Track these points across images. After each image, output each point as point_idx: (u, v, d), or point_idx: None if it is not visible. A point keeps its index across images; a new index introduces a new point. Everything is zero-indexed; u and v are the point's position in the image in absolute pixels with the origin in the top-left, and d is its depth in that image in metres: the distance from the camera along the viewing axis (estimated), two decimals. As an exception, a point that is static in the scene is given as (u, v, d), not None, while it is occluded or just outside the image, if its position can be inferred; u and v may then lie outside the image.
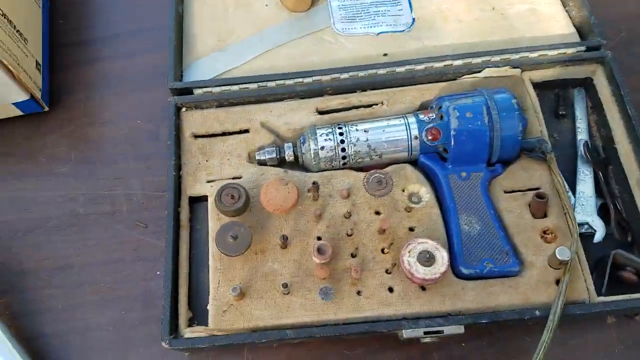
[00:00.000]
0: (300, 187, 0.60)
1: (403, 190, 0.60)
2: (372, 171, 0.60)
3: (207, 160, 0.64)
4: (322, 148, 0.60)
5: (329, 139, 0.60)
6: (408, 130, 0.60)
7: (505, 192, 0.60)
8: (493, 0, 0.74)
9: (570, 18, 0.72)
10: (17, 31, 0.66)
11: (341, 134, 0.61)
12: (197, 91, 0.66)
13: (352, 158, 0.61)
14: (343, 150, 0.60)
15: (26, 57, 0.67)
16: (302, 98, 0.67)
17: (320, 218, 0.59)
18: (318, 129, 0.61)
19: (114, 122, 0.72)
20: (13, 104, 0.68)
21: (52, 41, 0.78)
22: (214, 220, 0.60)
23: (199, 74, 0.69)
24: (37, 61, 0.70)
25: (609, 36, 0.72)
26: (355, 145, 0.60)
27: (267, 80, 0.66)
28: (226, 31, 0.72)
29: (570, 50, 0.67)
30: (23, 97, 0.67)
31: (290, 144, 0.63)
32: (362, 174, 0.61)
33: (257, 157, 0.63)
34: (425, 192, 0.58)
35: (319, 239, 0.58)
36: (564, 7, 0.73)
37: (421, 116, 0.61)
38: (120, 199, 0.67)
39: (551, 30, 0.71)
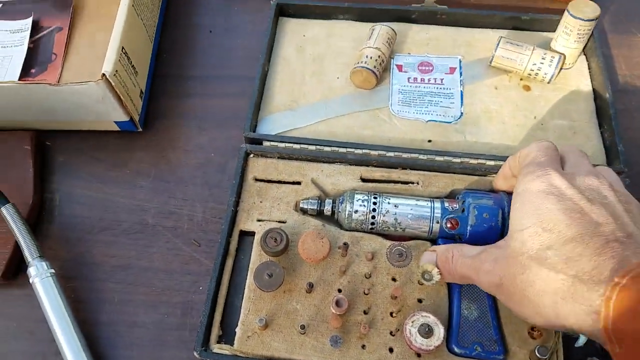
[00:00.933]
0: (333, 242, 0.65)
1: (419, 266, 0.64)
2: (396, 243, 0.64)
3: (261, 202, 0.69)
4: (356, 212, 0.65)
5: (363, 205, 0.65)
6: (432, 214, 0.64)
7: (506, 286, 0.63)
8: (538, 110, 0.77)
9: (603, 140, 0.74)
10: (132, 66, 0.73)
11: (375, 203, 0.65)
12: (266, 143, 0.72)
13: (379, 225, 0.65)
14: (373, 217, 0.65)
15: (134, 87, 0.74)
16: (350, 165, 0.71)
17: (344, 273, 0.63)
18: (357, 194, 0.66)
19: (192, 151, 0.78)
20: (114, 121, 0.75)
21: (155, 71, 0.85)
22: (256, 255, 0.65)
23: (269, 127, 0.75)
24: (141, 90, 0.77)
25: (634, 162, 0.73)
26: (384, 215, 0.65)
27: (324, 145, 0.72)
28: (299, 94, 0.79)
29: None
30: (124, 118, 0.74)
31: (331, 201, 0.68)
32: (387, 242, 0.65)
33: (301, 205, 0.68)
34: (436, 273, 0.62)
35: (339, 291, 0.62)
36: (600, 128, 0.75)
37: (446, 204, 0.65)
38: (184, 217, 0.73)
39: (583, 148, 0.71)
